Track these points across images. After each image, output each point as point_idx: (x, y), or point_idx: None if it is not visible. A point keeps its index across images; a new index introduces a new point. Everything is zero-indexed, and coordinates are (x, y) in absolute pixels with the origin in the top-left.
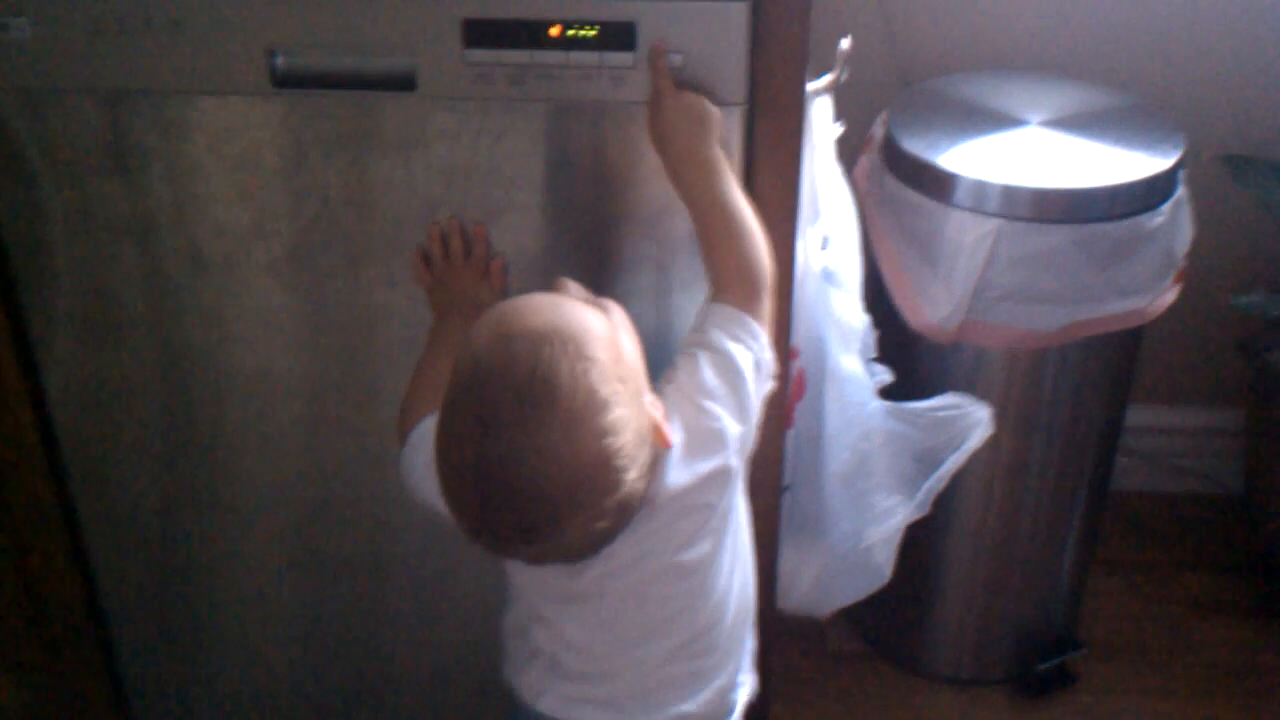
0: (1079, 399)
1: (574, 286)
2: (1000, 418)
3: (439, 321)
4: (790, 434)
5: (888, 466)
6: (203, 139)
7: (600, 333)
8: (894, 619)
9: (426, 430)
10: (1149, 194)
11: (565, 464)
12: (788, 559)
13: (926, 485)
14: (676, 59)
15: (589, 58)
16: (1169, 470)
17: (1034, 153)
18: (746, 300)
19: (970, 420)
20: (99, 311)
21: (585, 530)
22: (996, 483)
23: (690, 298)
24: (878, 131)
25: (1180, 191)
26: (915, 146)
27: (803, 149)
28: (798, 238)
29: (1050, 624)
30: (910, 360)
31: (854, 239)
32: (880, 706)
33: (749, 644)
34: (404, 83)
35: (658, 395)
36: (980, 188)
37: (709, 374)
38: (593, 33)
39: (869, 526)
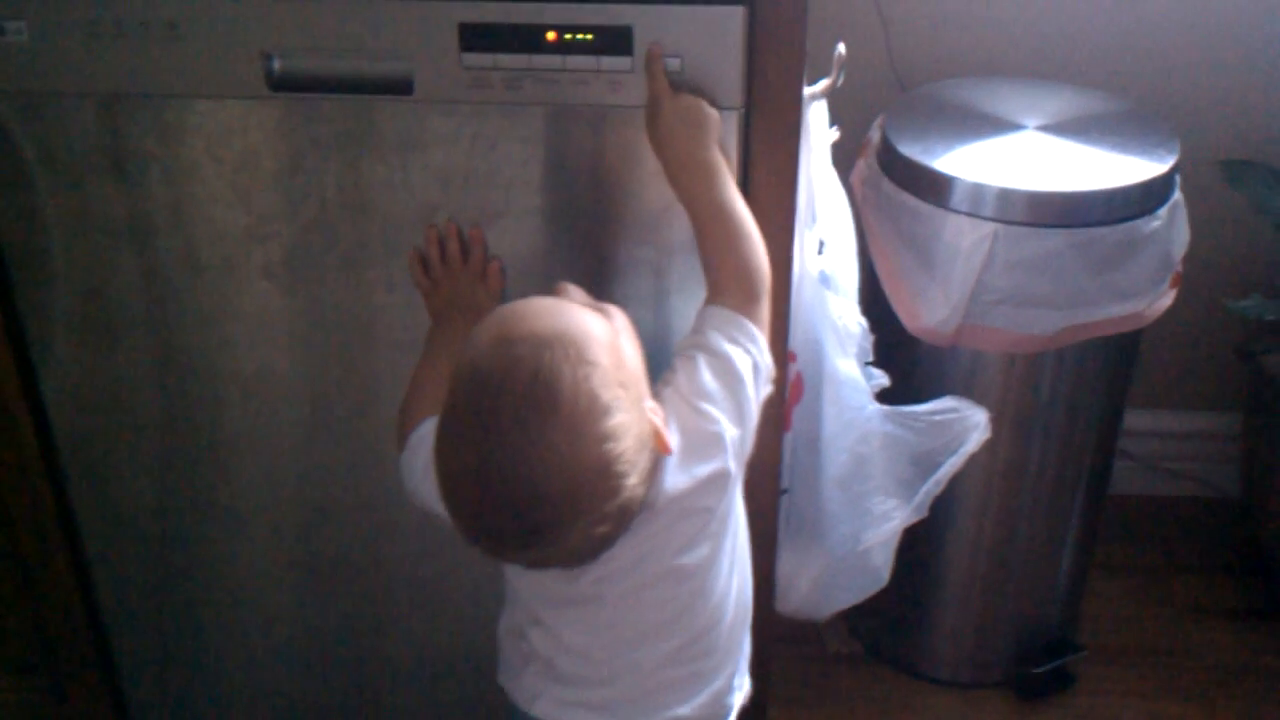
0: (1076, 403)
1: (575, 290)
2: (998, 421)
3: (437, 325)
4: (788, 437)
5: (885, 470)
6: (200, 142)
7: (602, 338)
8: (892, 622)
9: (426, 434)
10: (1145, 198)
11: (566, 469)
12: (786, 562)
13: (924, 488)
14: (674, 63)
15: (586, 62)
16: (1166, 473)
17: (1030, 157)
18: (745, 303)
19: (968, 424)
20: (97, 314)
21: (585, 535)
22: (994, 486)
23: (688, 301)
24: (874, 136)
25: (1176, 196)
26: (912, 151)
27: (800, 153)
28: (795, 242)
29: (1048, 626)
30: (907, 364)
31: (851, 243)
32: (879, 709)
33: (746, 647)
34: (401, 87)
35: (655, 398)
36: (977, 192)
37: (707, 377)
38: (589, 37)
39: (867, 529)
